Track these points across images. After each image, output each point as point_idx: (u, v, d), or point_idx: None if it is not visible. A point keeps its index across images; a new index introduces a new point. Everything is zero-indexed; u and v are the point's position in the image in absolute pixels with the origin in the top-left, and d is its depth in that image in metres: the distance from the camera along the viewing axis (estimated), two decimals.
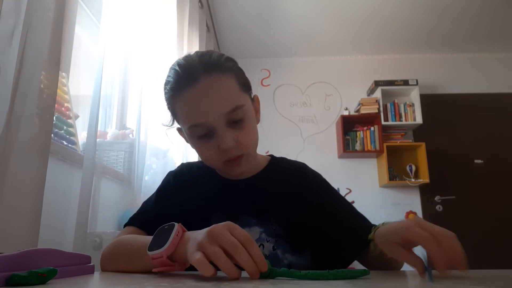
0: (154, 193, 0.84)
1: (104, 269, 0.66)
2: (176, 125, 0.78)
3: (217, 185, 0.80)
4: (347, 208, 0.79)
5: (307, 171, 0.85)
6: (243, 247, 0.46)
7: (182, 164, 0.89)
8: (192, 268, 0.48)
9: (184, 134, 0.77)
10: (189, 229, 0.56)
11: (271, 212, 0.75)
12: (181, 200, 0.79)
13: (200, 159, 0.79)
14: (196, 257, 0.46)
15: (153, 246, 0.53)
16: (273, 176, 0.81)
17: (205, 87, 0.66)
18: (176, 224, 0.54)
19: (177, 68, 0.70)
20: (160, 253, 0.51)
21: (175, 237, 0.52)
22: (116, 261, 0.64)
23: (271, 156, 0.87)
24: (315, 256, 0.76)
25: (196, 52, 0.72)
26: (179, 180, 0.83)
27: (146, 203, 0.83)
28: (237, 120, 0.68)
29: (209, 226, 0.50)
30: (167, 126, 0.79)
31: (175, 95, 0.70)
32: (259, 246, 0.72)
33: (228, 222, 0.50)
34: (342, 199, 0.82)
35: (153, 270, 0.53)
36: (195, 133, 0.69)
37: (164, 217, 0.68)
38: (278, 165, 0.85)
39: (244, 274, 0.47)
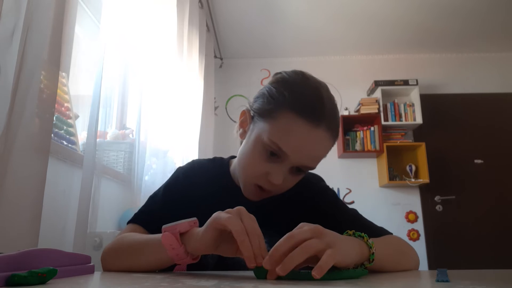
0: (161, 189, 0.79)
1: (105, 268, 0.65)
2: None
3: (229, 192, 0.77)
4: (353, 216, 0.79)
5: (318, 186, 0.84)
6: (246, 235, 0.48)
7: (193, 161, 0.85)
8: (192, 268, 0.48)
9: (249, 118, 0.73)
10: None
11: (278, 224, 0.73)
12: (189, 201, 0.76)
13: (209, 158, 0.80)
14: (221, 216, 0.50)
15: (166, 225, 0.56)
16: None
17: (319, 139, 0.65)
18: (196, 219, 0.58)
19: (302, 84, 0.68)
20: (174, 226, 0.53)
21: (192, 221, 0.56)
22: (119, 257, 0.63)
23: None
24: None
25: (328, 92, 0.69)
26: (189, 179, 0.79)
27: (152, 200, 0.79)
28: (299, 170, 0.68)
29: None
30: (248, 107, 0.75)
31: (290, 109, 0.64)
32: None
33: (241, 208, 0.52)
34: (350, 210, 0.80)
35: (159, 265, 0.54)
36: (268, 147, 0.66)
37: (171, 218, 0.66)
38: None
39: (245, 274, 0.47)
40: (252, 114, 0.72)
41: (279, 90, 0.68)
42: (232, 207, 0.73)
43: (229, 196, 0.75)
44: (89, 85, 1.24)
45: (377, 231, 0.74)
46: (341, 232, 0.62)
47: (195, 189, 0.78)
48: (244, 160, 0.71)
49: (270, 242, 0.71)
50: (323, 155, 0.68)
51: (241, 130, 0.75)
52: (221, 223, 0.50)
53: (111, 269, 0.64)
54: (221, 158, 0.87)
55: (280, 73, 0.73)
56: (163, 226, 0.55)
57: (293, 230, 0.50)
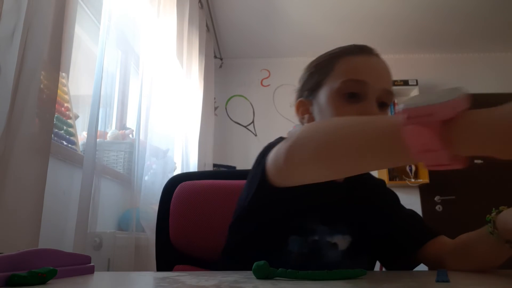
0: None
1: (291, 165, 0.47)
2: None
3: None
4: (413, 217, 0.79)
5: (386, 190, 0.84)
6: None
7: None
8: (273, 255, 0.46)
9: (307, 102, 0.74)
10: (276, 226, 0.57)
11: (356, 221, 0.73)
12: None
13: None
14: None
15: (411, 102, 0.34)
16: (357, 185, 0.77)
17: (379, 61, 0.69)
18: (461, 88, 0.34)
19: (349, 44, 0.72)
20: (428, 107, 0.32)
21: (460, 97, 0.33)
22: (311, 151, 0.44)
23: None
24: (371, 260, 0.76)
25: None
26: None
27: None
28: (384, 102, 0.67)
29: (303, 229, 0.53)
30: (300, 98, 0.76)
31: (342, 56, 0.69)
32: (335, 248, 0.70)
33: None
34: (411, 212, 0.81)
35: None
36: (346, 89, 0.66)
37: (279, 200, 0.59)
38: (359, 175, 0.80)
39: (245, 274, 0.47)
40: (307, 96, 0.75)
41: (320, 59, 0.73)
42: (318, 193, 0.66)
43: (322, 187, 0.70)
44: (89, 85, 1.24)
45: (434, 231, 0.75)
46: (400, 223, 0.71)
47: None
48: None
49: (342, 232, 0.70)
50: (391, 79, 0.70)
51: (306, 116, 0.75)
52: None
53: (298, 166, 0.47)
54: None
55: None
56: (407, 108, 0.33)
57: None
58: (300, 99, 0.77)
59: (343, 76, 0.67)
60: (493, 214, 0.58)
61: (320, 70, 0.72)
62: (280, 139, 0.73)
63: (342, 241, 0.70)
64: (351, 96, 0.66)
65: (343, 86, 0.66)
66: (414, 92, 3.40)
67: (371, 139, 0.38)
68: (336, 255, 0.70)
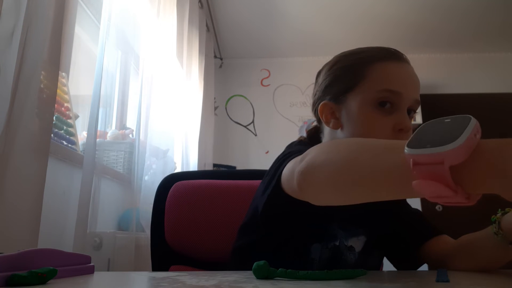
0: None
1: (308, 187, 0.46)
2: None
3: None
4: (417, 215, 0.80)
5: None
6: None
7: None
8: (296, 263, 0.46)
9: (334, 106, 0.70)
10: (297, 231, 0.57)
11: (369, 221, 0.73)
12: None
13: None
14: None
15: (416, 143, 0.31)
16: None
17: (410, 69, 0.69)
18: (472, 117, 0.31)
19: (374, 47, 0.71)
20: (438, 155, 0.28)
21: (472, 133, 0.29)
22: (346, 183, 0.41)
23: None
24: (382, 256, 0.77)
25: None
26: None
27: None
28: (413, 110, 0.69)
29: (324, 235, 0.52)
30: (324, 101, 0.72)
31: (374, 61, 0.68)
32: (352, 250, 0.70)
33: None
34: (416, 211, 0.82)
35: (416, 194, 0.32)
36: (378, 100, 0.65)
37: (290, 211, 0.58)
38: None
39: (245, 274, 0.47)
40: (334, 100, 0.71)
41: (348, 61, 0.71)
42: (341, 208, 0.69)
43: None
44: (89, 85, 1.24)
45: (437, 230, 0.76)
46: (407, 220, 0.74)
47: None
48: (362, 130, 0.66)
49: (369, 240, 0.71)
50: (420, 87, 0.71)
51: (332, 120, 0.71)
52: None
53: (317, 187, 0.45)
54: None
55: (327, 63, 0.76)
56: (411, 154, 0.30)
57: None
58: (324, 101, 0.72)
59: (378, 85, 0.66)
60: (499, 214, 0.58)
61: (350, 74, 0.69)
62: (300, 143, 0.74)
63: (357, 243, 0.71)
64: (383, 105, 0.65)
65: (378, 96, 0.65)
66: None
67: (381, 180, 0.37)
68: (353, 257, 0.70)
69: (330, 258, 0.68)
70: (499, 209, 0.59)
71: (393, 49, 0.70)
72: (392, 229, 0.76)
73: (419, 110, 3.31)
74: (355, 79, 0.68)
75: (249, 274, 0.50)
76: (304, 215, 0.62)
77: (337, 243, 0.68)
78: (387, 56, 0.68)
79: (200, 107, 2.55)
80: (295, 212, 0.60)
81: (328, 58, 0.79)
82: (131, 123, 1.87)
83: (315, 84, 0.79)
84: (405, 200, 0.83)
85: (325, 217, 0.67)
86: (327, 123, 0.72)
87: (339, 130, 0.70)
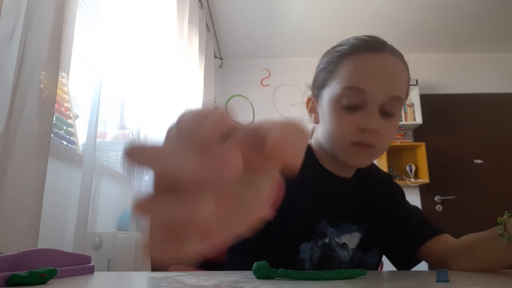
0: None
1: None
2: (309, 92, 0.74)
3: (322, 179, 0.71)
4: (417, 213, 0.80)
5: (392, 184, 0.84)
6: None
7: None
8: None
9: (315, 99, 0.71)
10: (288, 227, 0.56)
11: (364, 217, 0.73)
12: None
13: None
14: None
15: None
16: (365, 180, 0.77)
17: (387, 61, 0.63)
18: None
19: (355, 37, 0.67)
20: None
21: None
22: None
23: None
24: (381, 254, 0.77)
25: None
26: None
27: None
28: (389, 112, 0.63)
29: (313, 234, 0.54)
30: (310, 90, 0.73)
31: (349, 55, 0.65)
32: (345, 247, 0.70)
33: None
34: (415, 209, 0.82)
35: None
36: (345, 97, 0.63)
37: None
38: (366, 169, 0.76)
39: (245, 274, 0.47)
40: (315, 94, 0.71)
41: (329, 54, 0.69)
42: (328, 194, 0.69)
43: (323, 184, 0.70)
44: (89, 85, 1.24)
45: (437, 229, 0.76)
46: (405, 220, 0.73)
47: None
48: (329, 127, 0.66)
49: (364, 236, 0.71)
50: (403, 81, 0.64)
51: (313, 115, 0.72)
52: None
53: None
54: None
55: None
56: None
57: None
58: (308, 96, 0.74)
59: (343, 82, 0.63)
60: (505, 216, 0.57)
61: (325, 69, 0.68)
62: None
63: (350, 240, 0.70)
64: (348, 107, 0.63)
65: (341, 94, 0.63)
66: (415, 92, 3.40)
67: None
68: (347, 254, 0.70)
69: (321, 256, 0.68)
70: (506, 211, 0.59)
71: (372, 38, 0.66)
72: (389, 225, 0.76)
73: (419, 110, 3.32)
74: (328, 74, 0.67)
75: (249, 274, 0.50)
76: (294, 211, 0.64)
77: (327, 241, 0.68)
78: (362, 48, 0.64)
79: (200, 107, 2.54)
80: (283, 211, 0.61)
81: None
82: (131, 123, 1.87)
83: None
84: (402, 195, 0.82)
85: (312, 217, 0.68)
86: (310, 117, 0.74)
87: (318, 125, 0.72)
